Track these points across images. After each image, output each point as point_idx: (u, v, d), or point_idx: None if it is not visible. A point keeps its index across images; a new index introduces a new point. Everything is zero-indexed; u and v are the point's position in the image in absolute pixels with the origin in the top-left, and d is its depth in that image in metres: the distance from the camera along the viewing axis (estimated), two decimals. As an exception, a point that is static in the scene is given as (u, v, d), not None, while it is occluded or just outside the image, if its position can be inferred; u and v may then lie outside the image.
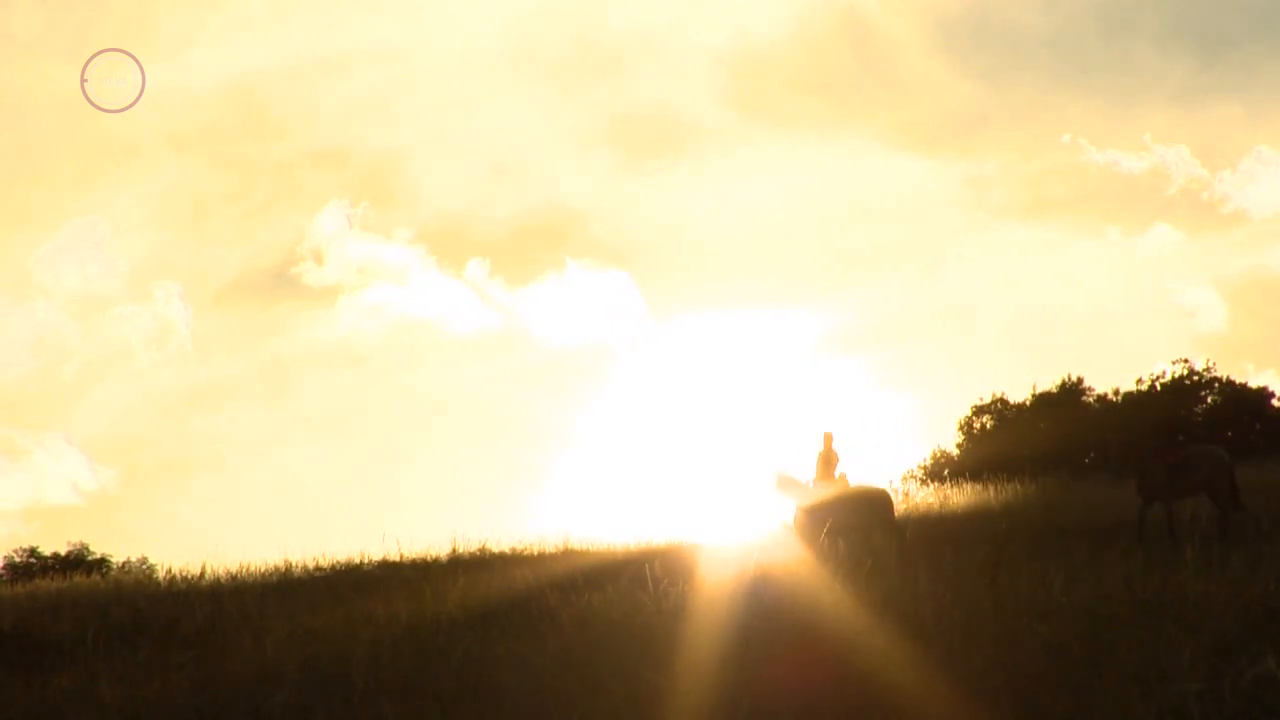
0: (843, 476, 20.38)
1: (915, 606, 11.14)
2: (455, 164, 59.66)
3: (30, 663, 13.61)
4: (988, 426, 45.23)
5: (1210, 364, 43.91)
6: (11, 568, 42.35)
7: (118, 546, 52.10)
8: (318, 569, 26.75)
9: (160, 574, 29.27)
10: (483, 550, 27.18)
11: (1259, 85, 60.94)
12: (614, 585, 15.40)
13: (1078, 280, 59.31)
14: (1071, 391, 44.91)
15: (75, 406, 57.04)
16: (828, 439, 20.62)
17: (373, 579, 21.92)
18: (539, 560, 23.96)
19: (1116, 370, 58.75)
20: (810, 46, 59.12)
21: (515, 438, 56.87)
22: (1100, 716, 7.70)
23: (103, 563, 42.51)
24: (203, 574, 26.71)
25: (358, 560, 27.30)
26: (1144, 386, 44.14)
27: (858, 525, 18.75)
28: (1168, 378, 43.95)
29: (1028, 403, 45.14)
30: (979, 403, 46.10)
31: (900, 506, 31.92)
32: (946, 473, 41.55)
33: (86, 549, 43.90)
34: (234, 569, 26.87)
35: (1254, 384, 43.46)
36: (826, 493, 19.53)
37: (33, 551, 44.18)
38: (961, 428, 45.95)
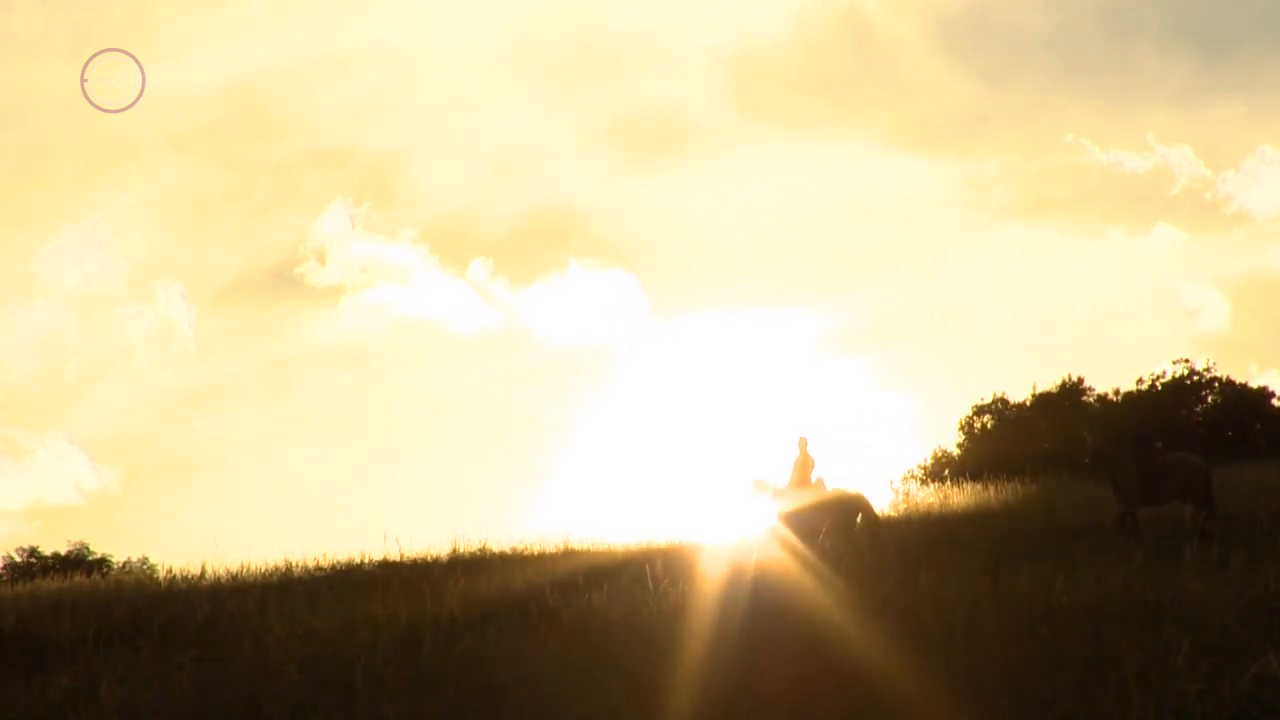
0: (820, 481, 20.30)
1: (915, 606, 11.15)
2: (456, 164, 59.71)
3: (31, 663, 13.60)
4: (988, 426, 45.22)
5: (1210, 364, 43.94)
6: (12, 567, 42.36)
7: (119, 546, 52.11)
8: (318, 569, 26.75)
9: (161, 574, 29.28)
10: (483, 550, 27.18)
11: (1261, 85, 60.99)
12: (614, 585, 15.41)
13: (1080, 280, 59.35)
14: (1072, 391, 44.89)
15: (77, 406, 57.09)
16: (803, 443, 20.55)
17: (373, 579, 21.91)
18: (539, 560, 23.95)
19: (1119, 370, 58.80)
20: (811, 46, 59.16)
21: (517, 437, 56.90)
22: (1101, 716, 7.70)
23: (103, 563, 42.51)
24: (203, 574, 26.72)
25: (358, 560, 27.31)
26: (1144, 386, 44.14)
27: (833, 528, 18.75)
28: (1168, 378, 43.96)
29: (1028, 403, 45.13)
30: (979, 403, 46.11)
31: (900, 506, 31.95)
32: (947, 473, 41.53)
33: (87, 549, 43.91)
34: (234, 569, 26.88)
35: (1257, 384, 43.49)
36: (802, 498, 19.51)
37: (33, 551, 44.20)
38: (962, 427, 45.95)
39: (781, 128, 61.61)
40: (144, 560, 39.91)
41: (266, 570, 26.88)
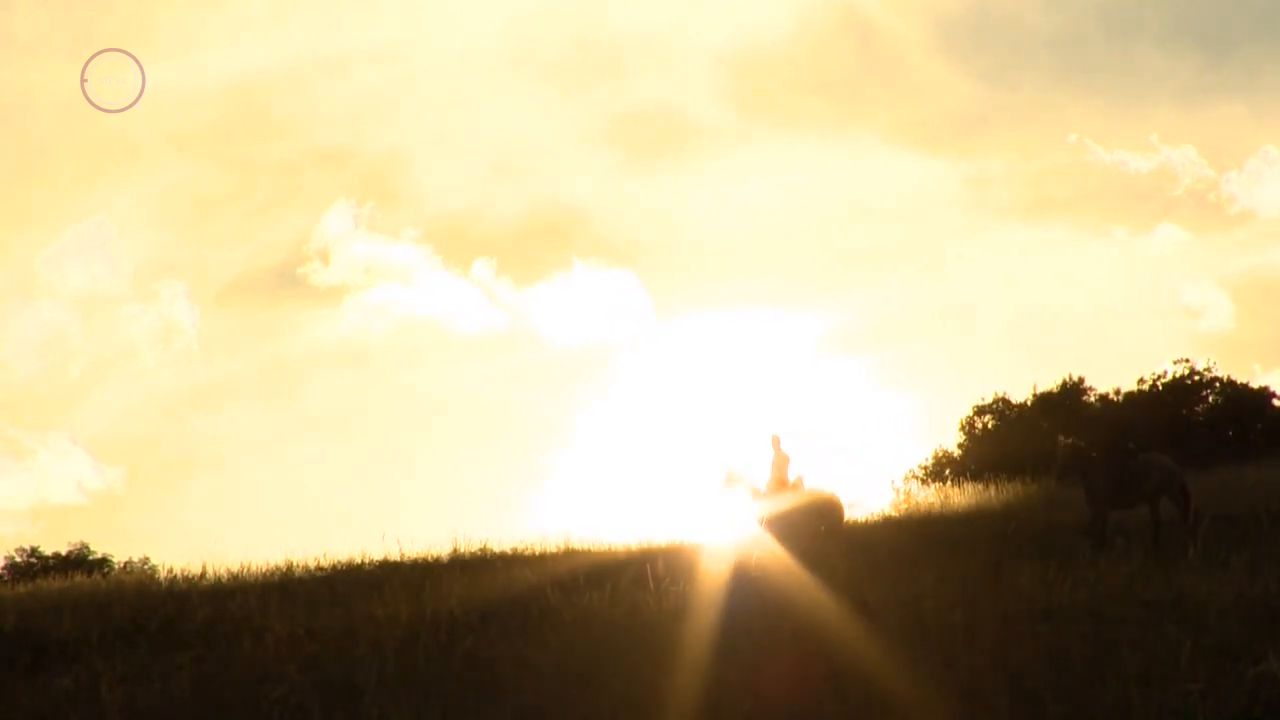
0: (799, 479, 20.15)
1: (917, 606, 11.15)
2: (459, 164, 59.72)
3: (31, 663, 13.61)
4: (989, 426, 45.21)
5: (1211, 363, 43.93)
6: (13, 567, 42.38)
7: (122, 546, 52.18)
8: (318, 569, 26.76)
9: (161, 574, 29.29)
10: (484, 550, 27.19)
11: (1263, 85, 60.97)
12: (615, 585, 15.41)
13: (1082, 280, 59.31)
14: (1073, 391, 44.88)
15: (81, 406, 57.11)
16: (775, 441, 20.32)
17: (374, 579, 21.91)
18: (540, 560, 23.95)
19: (1123, 371, 58.75)
20: (812, 46, 59.16)
21: (519, 437, 56.93)
22: (1102, 716, 7.69)
23: (104, 563, 42.53)
24: (203, 574, 26.73)
25: (358, 560, 27.32)
26: (1145, 386, 44.13)
27: (805, 529, 18.72)
28: (1169, 378, 43.95)
29: (1029, 403, 45.12)
30: (980, 402, 46.11)
31: (901, 506, 31.96)
32: (948, 472, 41.55)
33: (87, 549, 43.93)
34: (235, 569, 26.90)
35: (1261, 384, 43.48)
36: (779, 500, 19.43)
37: (34, 551, 44.21)
38: (963, 427, 45.95)
39: (783, 127, 61.65)
40: (145, 560, 39.93)
41: (267, 570, 26.90)
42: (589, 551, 26.10)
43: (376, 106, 58.80)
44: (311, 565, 27.27)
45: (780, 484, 19.93)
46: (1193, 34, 61.91)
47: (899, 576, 13.41)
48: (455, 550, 27.21)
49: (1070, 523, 20.56)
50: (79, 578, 31.65)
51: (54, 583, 30.38)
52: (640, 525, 27.66)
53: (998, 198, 60.14)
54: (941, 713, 8.10)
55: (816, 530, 18.79)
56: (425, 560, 26.23)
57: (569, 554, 25.63)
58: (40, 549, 44.19)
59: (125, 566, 40.52)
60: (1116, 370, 60.35)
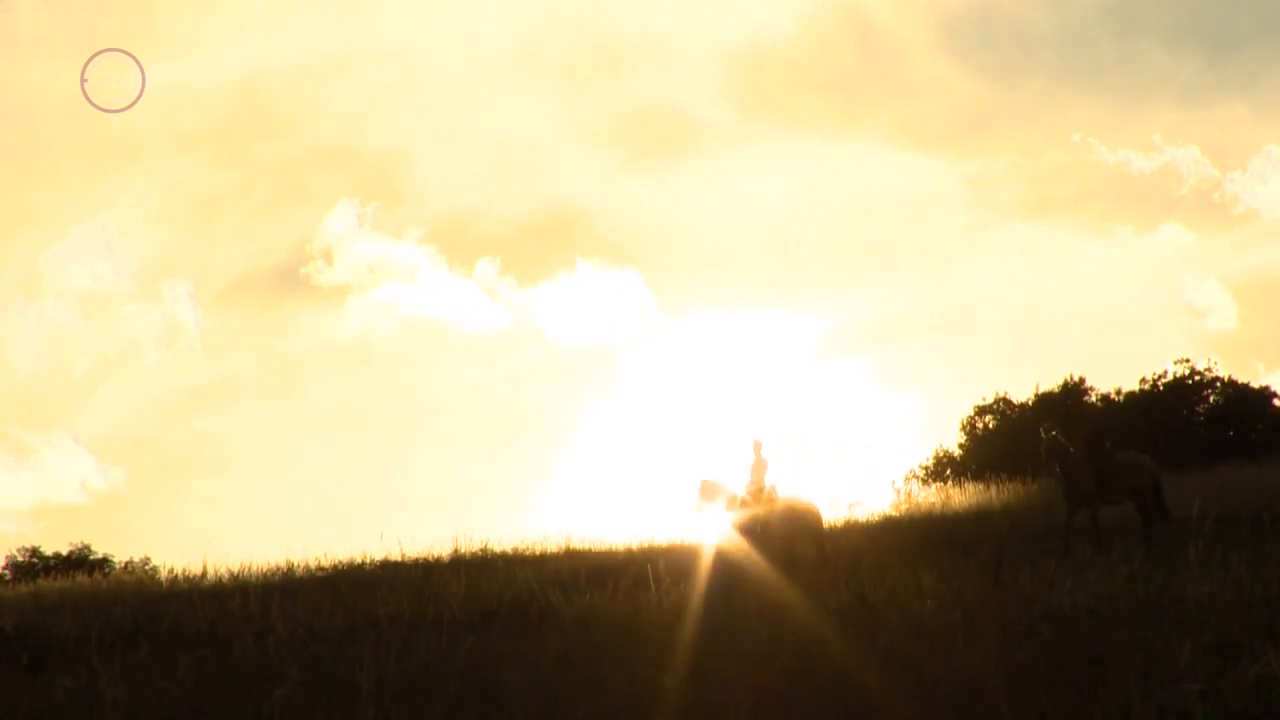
0: (772, 487, 20.00)
1: (917, 606, 11.16)
2: (463, 163, 59.73)
3: (32, 662, 13.62)
4: (990, 426, 45.22)
5: (1212, 363, 43.94)
6: (14, 567, 42.43)
7: (125, 546, 52.26)
8: (320, 569, 26.81)
9: (162, 574, 29.34)
10: (485, 550, 27.24)
11: (1266, 85, 60.92)
12: (616, 585, 15.42)
13: (1086, 280, 59.25)
14: (1074, 392, 44.89)
15: (84, 406, 57.14)
16: (757, 446, 20.16)
17: (375, 579, 21.93)
18: (541, 560, 23.98)
19: (1127, 370, 58.70)
20: (815, 45, 59.16)
21: (522, 437, 56.99)
22: (1102, 716, 7.70)
23: (105, 563, 42.57)
24: (204, 574, 26.77)
25: (360, 560, 27.36)
26: (1146, 386, 44.14)
27: (783, 536, 18.66)
28: (1170, 377, 43.95)
29: (1030, 403, 45.12)
30: (981, 402, 46.12)
31: (901, 506, 31.97)
32: (949, 473, 41.58)
33: (88, 549, 43.97)
34: (236, 569, 26.95)
35: (1266, 384, 43.49)
36: (755, 506, 19.34)
37: (35, 551, 44.26)
38: (964, 427, 45.96)
39: (785, 127, 61.66)
40: (145, 560, 39.99)
41: (268, 570, 26.95)
42: (590, 551, 26.14)
43: (380, 106, 58.84)
44: (313, 565, 27.32)
45: (758, 489, 19.79)
46: (1196, 33, 61.91)
47: (899, 576, 13.42)
48: (456, 550, 27.27)
49: (1073, 523, 20.55)
50: (80, 578, 31.70)
51: (55, 583, 30.43)
52: (641, 525, 27.71)
53: (1000, 197, 60.16)
54: (942, 712, 8.11)
55: (788, 539, 18.62)
56: (426, 560, 26.27)
57: (570, 554, 25.66)
58: (41, 549, 44.26)
59: (126, 566, 40.58)
60: (1120, 370, 60.35)
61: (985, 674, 8.59)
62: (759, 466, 19.97)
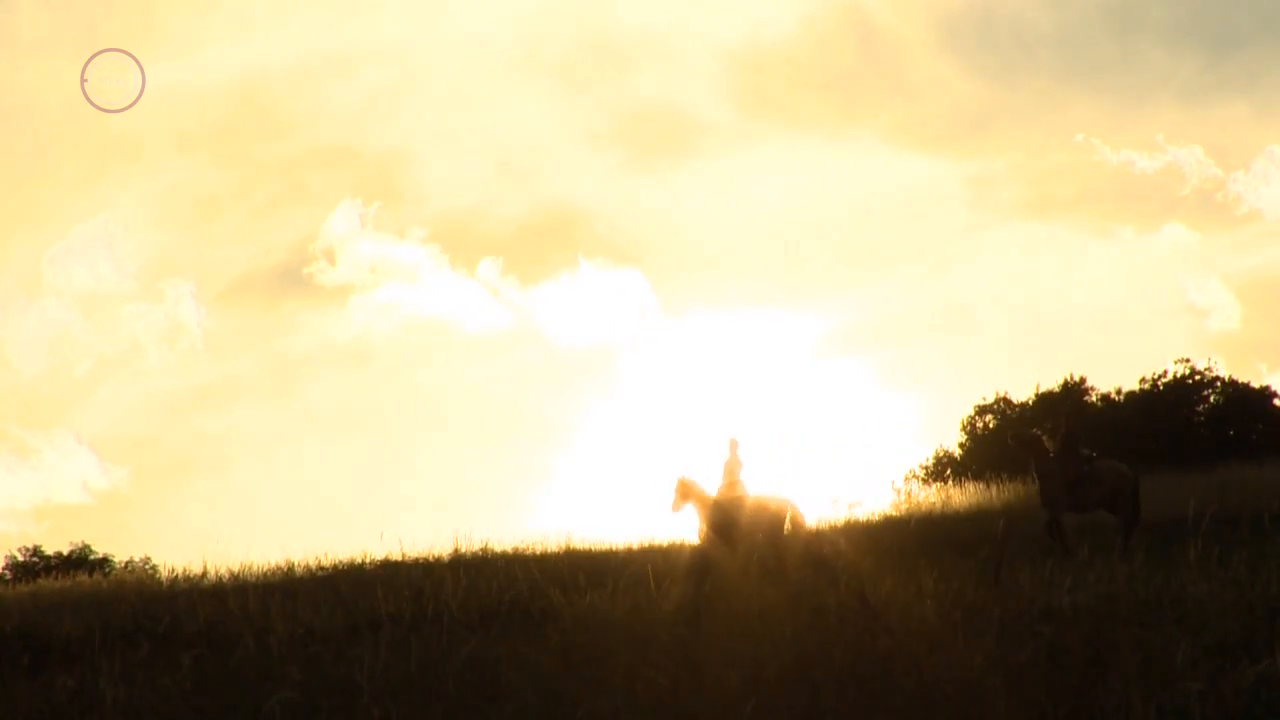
0: (743, 485, 19.78)
1: (919, 605, 11.16)
2: (465, 163, 59.77)
3: (33, 662, 13.63)
4: (990, 426, 45.23)
5: (1212, 363, 43.95)
6: (15, 567, 42.46)
7: (128, 546, 52.29)
8: (319, 569, 26.83)
9: (163, 574, 29.36)
10: (485, 550, 27.25)
11: (1269, 85, 60.90)
12: (616, 585, 15.42)
13: (1089, 280, 59.23)
14: (1074, 391, 44.91)
15: (86, 405, 57.16)
16: (733, 445, 19.91)
17: (375, 579, 21.94)
18: (541, 560, 23.99)
19: (1130, 371, 58.66)
20: (816, 45, 59.18)
21: (525, 437, 57.04)
22: (1102, 716, 7.70)
23: (105, 562, 42.60)
24: (204, 573, 26.80)
25: (360, 560, 27.37)
26: (1146, 386, 44.15)
27: (756, 533, 18.53)
28: (1170, 377, 43.96)
29: (1030, 403, 45.14)
30: (982, 402, 46.14)
31: (902, 506, 31.98)
32: (949, 472, 41.61)
33: (89, 549, 44.00)
34: (236, 569, 26.97)
35: (1267, 384, 43.49)
36: (727, 506, 19.20)
37: (36, 551, 44.29)
38: (964, 427, 45.98)
39: (786, 127, 61.69)
40: (146, 560, 40.02)
41: (269, 570, 26.97)
42: (590, 551, 26.15)
43: (380, 106, 58.88)
44: (313, 565, 27.34)
45: (729, 488, 19.57)
46: (1197, 33, 61.89)
47: (899, 576, 13.42)
48: (456, 550, 27.29)
49: (1071, 523, 20.56)
50: (80, 577, 31.72)
51: (55, 582, 30.45)
52: (642, 524, 27.70)
53: (1000, 197, 60.16)
54: (942, 712, 8.11)
55: (774, 536, 18.41)
56: (426, 560, 26.28)
57: (570, 553, 25.67)
58: (42, 548, 44.29)
59: (126, 566, 40.60)
60: (1122, 371, 60.30)
61: (985, 674, 8.60)
62: (733, 465, 19.75)
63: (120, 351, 55.01)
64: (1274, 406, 42.77)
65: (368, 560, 27.16)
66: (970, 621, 10.20)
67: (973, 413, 46.05)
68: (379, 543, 27.73)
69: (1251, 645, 8.84)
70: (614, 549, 25.84)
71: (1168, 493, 22.52)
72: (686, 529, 20.06)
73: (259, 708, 9.58)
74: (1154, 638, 9.13)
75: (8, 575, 40.40)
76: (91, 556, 43.21)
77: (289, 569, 27.04)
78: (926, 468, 44.88)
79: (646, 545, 24.86)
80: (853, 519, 29.26)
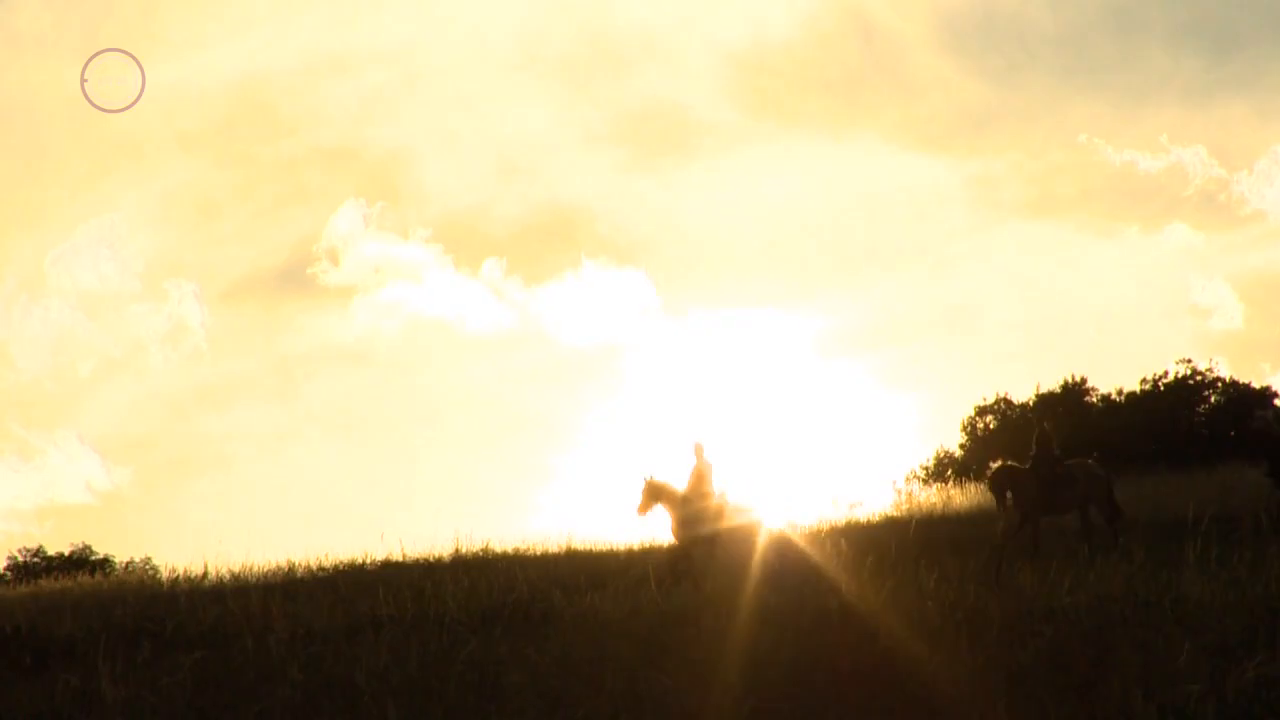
0: (723, 495, 19.57)
1: (920, 606, 11.16)
2: (468, 162, 59.74)
3: (34, 663, 13.64)
4: (991, 427, 45.20)
5: (1213, 363, 43.92)
6: (16, 567, 42.48)
7: (130, 546, 52.25)
8: (320, 569, 26.81)
9: (163, 574, 29.35)
10: (485, 550, 27.22)
11: (1271, 85, 60.82)
12: (617, 585, 15.43)
13: (1092, 280, 59.19)
14: (1075, 391, 44.87)
15: (89, 405, 57.19)
16: (698, 450, 19.70)
17: (376, 579, 21.93)
18: (542, 560, 23.97)
19: (1133, 371, 58.58)
20: (818, 45, 59.16)
21: (528, 436, 57.02)
22: (1103, 716, 7.71)
23: (106, 563, 42.61)
24: (205, 574, 26.77)
25: (360, 560, 27.35)
26: (1147, 386, 44.11)
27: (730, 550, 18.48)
28: (1171, 377, 43.93)
29: (1031, 403, 45.10)
30: (982, 403, 46.11)
31: (902, 506, 31.95)
32: (950, 473, 41.58)
33: (90, 549, 44.01)
34: (237, 569, 26.94)
35: (1268, 384, 43.41)
36: (703, 517, 19.07)
37: (37, 551, 44.31)
38: (965, 428, 45.95)
39: (788, 126, 61.65)
40: (146, 560, 40.01)
41: (269, 570, 26.94)
42: (591, 552, 26.14)
43: (382, 106, 58.85)
44: (314, 565, 27.33)
45: (700, 494, 19.37)
46: (1199, 33, 61.82)
47: (900, 577, 13.42)
48: (457, 550, 27.25)
49: (1071, 524, 20.55)
50: (82, 578, 31.72)
51: (56, 583, 30.45)
52: (642, 525, 27.64)
53: (1002, 197, 60.12)
54: (945, 712, 8.12)
55: (745, 558, 18.31)
56: (427, 560, 26.26)
57: (571, 554, 25.66)
58: (44, 548, 44.31)
59: (127, 566, 40.60)
60: (1125, 371, 60.30)
61: (986, 674, 8.61)
62: (700, 469, 19.51)
63: (123, 352, 55.05)
64: (1275, 407, 42.74)
65: (368, 561, 27.14)
66: (971, 622, 10.20)
67: (973, 413, 46.02)
68: (380, 543, 27.72)
69: (1251, 645, 8.84)
70: (615, 550, 25.82)
71: (1168, 493, 22.52)
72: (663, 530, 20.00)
73: (260, 708, 9.59)
74: (1154, 638, 9.14)
75: (9, 576, 40.42)
76: (92, 557, 43.24)
77: (290, 569, 27.02)
78: (927, 468, 44.84)
79: (648, 546, 24.84)
80: (853, 519, 29.24)
